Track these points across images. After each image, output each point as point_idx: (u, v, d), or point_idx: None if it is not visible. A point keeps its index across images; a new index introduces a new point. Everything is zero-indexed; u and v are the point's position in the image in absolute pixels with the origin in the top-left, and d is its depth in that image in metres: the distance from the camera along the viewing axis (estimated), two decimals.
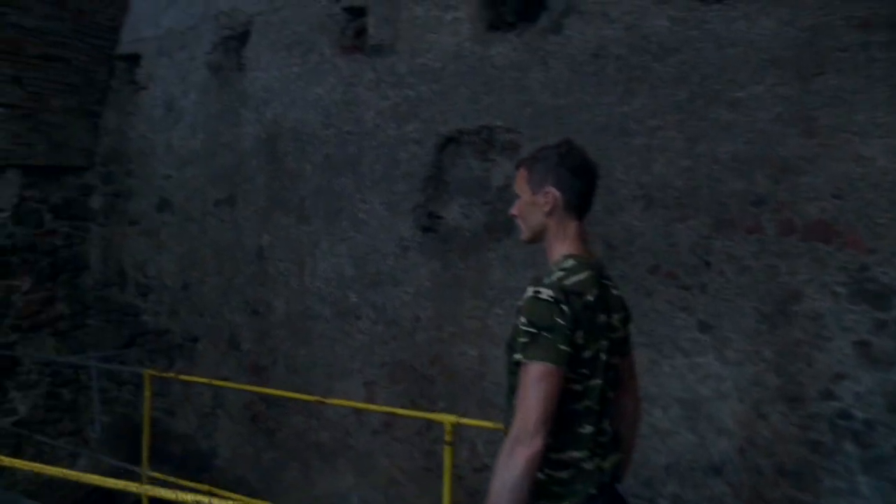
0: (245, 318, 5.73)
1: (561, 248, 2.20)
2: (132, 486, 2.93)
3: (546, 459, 1.99)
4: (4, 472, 5.84)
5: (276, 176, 5.51)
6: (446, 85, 4.61)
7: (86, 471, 6.53)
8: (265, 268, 5.59)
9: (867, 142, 3.23)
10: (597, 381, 2.09)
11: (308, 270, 5.32)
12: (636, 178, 3.87)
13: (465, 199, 4.60)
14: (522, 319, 2.01)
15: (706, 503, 3.65)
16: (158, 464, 5.64)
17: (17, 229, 6.33)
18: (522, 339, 1.99)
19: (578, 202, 2.21)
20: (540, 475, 2.00)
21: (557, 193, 2.18)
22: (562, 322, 1.98)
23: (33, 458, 6.42)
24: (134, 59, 6.51)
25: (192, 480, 5.15)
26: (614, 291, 2.24)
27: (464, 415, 4.13)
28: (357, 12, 5.08)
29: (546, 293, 2.00)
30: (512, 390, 2.07)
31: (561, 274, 2.08)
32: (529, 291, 2.04)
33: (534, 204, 2.22)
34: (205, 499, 2.49)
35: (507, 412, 2.10)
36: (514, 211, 2.30)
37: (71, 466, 6.58)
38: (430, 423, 4.53)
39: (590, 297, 2.07)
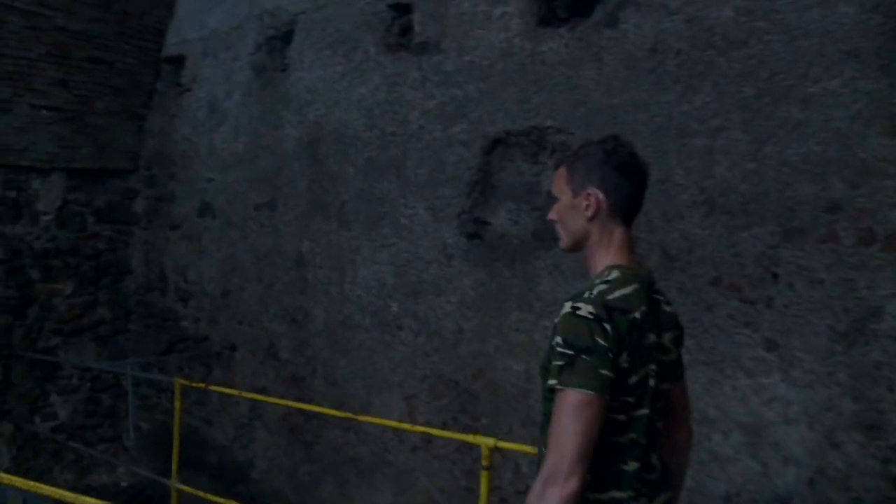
0: (284, 327, 5.59)
1: (604, 258, 1.95)
2: None
3: (584, 501, 1.73)
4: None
5: (317, 179, 5.37)
6: (494, 84, 4.41)
7: (123, 479, 6.51)
8: (304, 275, 5.44)
9: None
10: (644, 411, 1.84)
11: (348, 278, 5.17)
12: (697, 182, 3.62)
13: (513, 204, 4.39)
14: (558, 339, 1.76)
15: None
16: (195, 473, 5.56)
17: (59, 233, 6.34)
18: (558, 362, 1.74)
19: (625, 206, 1.96)
20: None
21: (601, 196, 1.93)
22: (603, 343, 1.73)
23: (72, 464, 6.42)
24: (179, 61, 6.48)
25: (227, 492, 5.04)
26: (666, 307, 1.99)
27: (508, 433, 3.93)
28: (403, 9, 4.92)
29: (586, 309, 1.76)
30: (547, 418, 1.82)
31: (604, 287, 1.83)
32: (566, 307, 1.79)
33: (574, 207, 1.97)
34: None
35: (541, 443, 1.85)
36: (552, 215, 2.05)
37: (109, 473, 6.57)
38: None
39: (637, 315, 1.82)
